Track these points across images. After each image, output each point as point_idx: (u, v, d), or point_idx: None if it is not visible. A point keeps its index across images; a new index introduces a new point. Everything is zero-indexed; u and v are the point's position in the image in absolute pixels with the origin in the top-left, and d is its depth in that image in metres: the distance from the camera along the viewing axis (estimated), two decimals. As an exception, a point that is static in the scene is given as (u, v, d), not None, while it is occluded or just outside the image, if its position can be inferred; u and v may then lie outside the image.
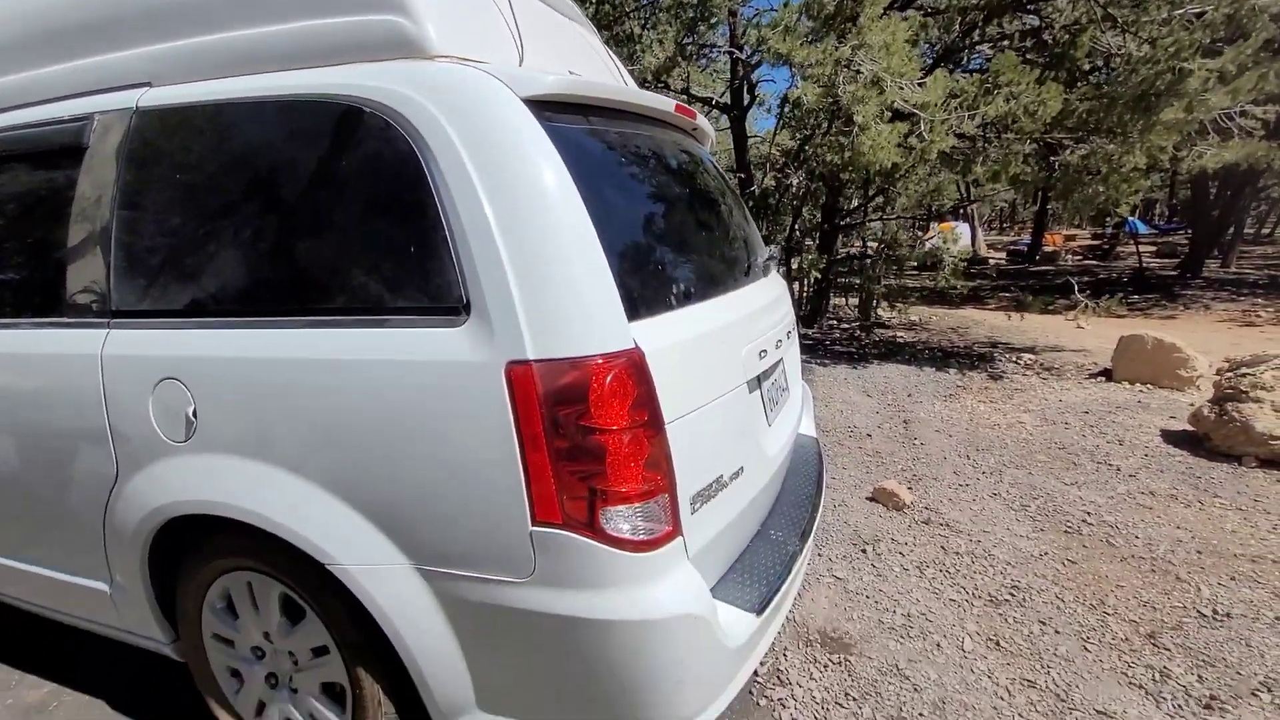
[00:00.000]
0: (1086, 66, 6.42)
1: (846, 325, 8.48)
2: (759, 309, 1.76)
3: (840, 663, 2.08)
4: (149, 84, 1.57)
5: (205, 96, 1.47)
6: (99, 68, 1.64)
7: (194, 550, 1.52)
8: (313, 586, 1.37)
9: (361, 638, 1.36)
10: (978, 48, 7.06)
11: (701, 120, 1.99)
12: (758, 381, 1.70)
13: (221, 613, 1.56)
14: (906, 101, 4.53)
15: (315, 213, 1.34)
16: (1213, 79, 5.11)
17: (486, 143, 1.21)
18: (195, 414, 1.38)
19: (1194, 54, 5.09)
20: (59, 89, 1.69)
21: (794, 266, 7.52)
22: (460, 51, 1.35)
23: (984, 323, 8.96)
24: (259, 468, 1.33)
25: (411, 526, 1.25)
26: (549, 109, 1.31)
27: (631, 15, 7.37)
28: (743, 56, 7.04)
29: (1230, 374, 3.88)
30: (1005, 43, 7.04)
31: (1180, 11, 5.31)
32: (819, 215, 7.64)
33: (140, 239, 1.49)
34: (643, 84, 7.18)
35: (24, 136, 1.69)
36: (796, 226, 7.64)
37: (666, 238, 1.59)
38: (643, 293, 1.33)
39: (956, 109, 4.90)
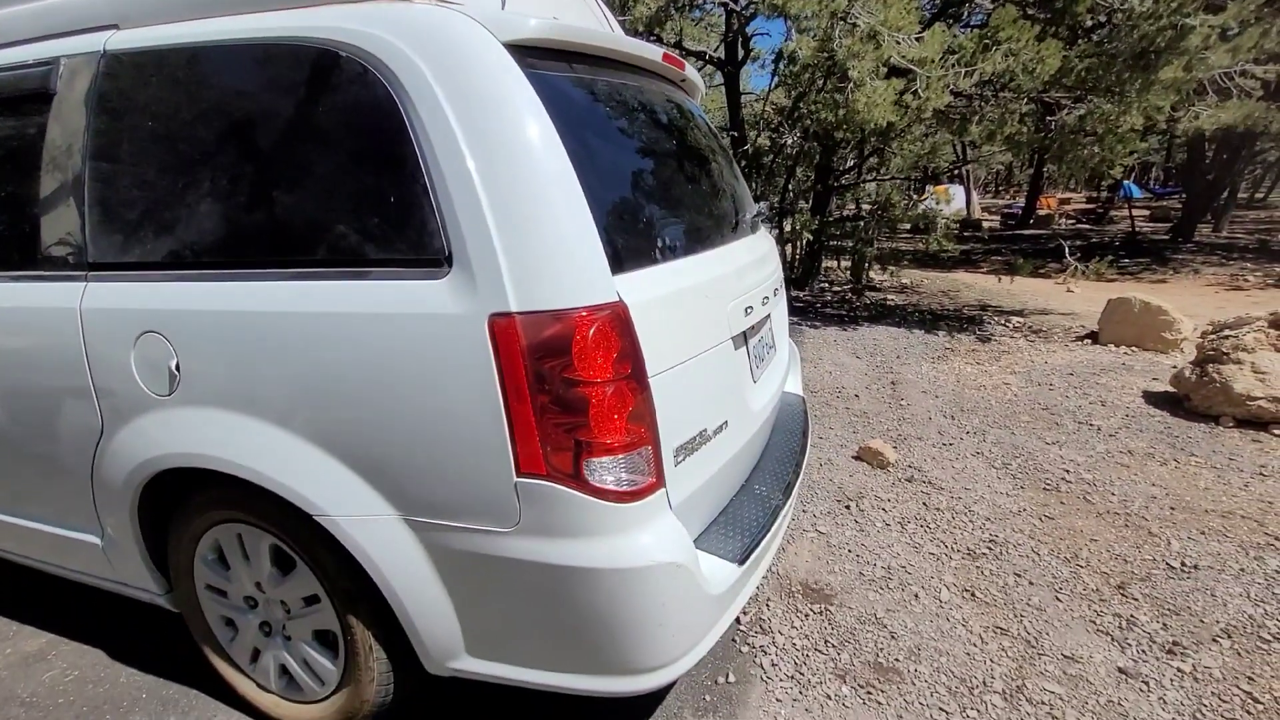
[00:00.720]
0: (1089, 23, 6.28)
1: (838, 288, 8.47)
2: (746, 265, 1.75)
3: (821, 612, 2.15)
4: (116, 26, 1.51)
5: (175, 40, 1.42)
6: (64, 8, 1.58)
7: (183, 503, 1.54)
8: (302, 537, 1.39)
9: (352, 587, 1.39)
10: (977, 1, 6.87)
11: (690, 71, 1.94)
12: (744, 338, 1.71)
13: (213, 564, 1.58)
14: (903, 57, 4.43)
15: (292, 162, 1.31)
16: (1214, 36, 5.03)
17: (467, 89, 1.18)
18: (178, 367, 1.37)
19: (1196, 9, 4.99)
20: (21, 31, 1.63)
21: (786, 228, 7.45)
22: (439, -7, 1.31)
23: (975, 286, 8.97)
24: (244, 421, 1.33)
25: (398, 478, 1.26)
26: (532, 55, 1.27)
27: (623, -37, 7.10)
28: (737, 8, 6.84)
29: (1213, 336, 3.92)
30: (1006, -3, 6.86)
31: (1185, -36, 5.18)
32: (812, 176, 7.55)
33: (114, 189, 1.46)
34: (633, 36, 6.97)
35: (-12, 82, 1.63)
36: (790, 187, 7.55)
37: (652, 191, 1.57)
38: (627, 245, 1.32)
39: (954, 65, 4.80)
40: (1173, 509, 2.78)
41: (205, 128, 1.39)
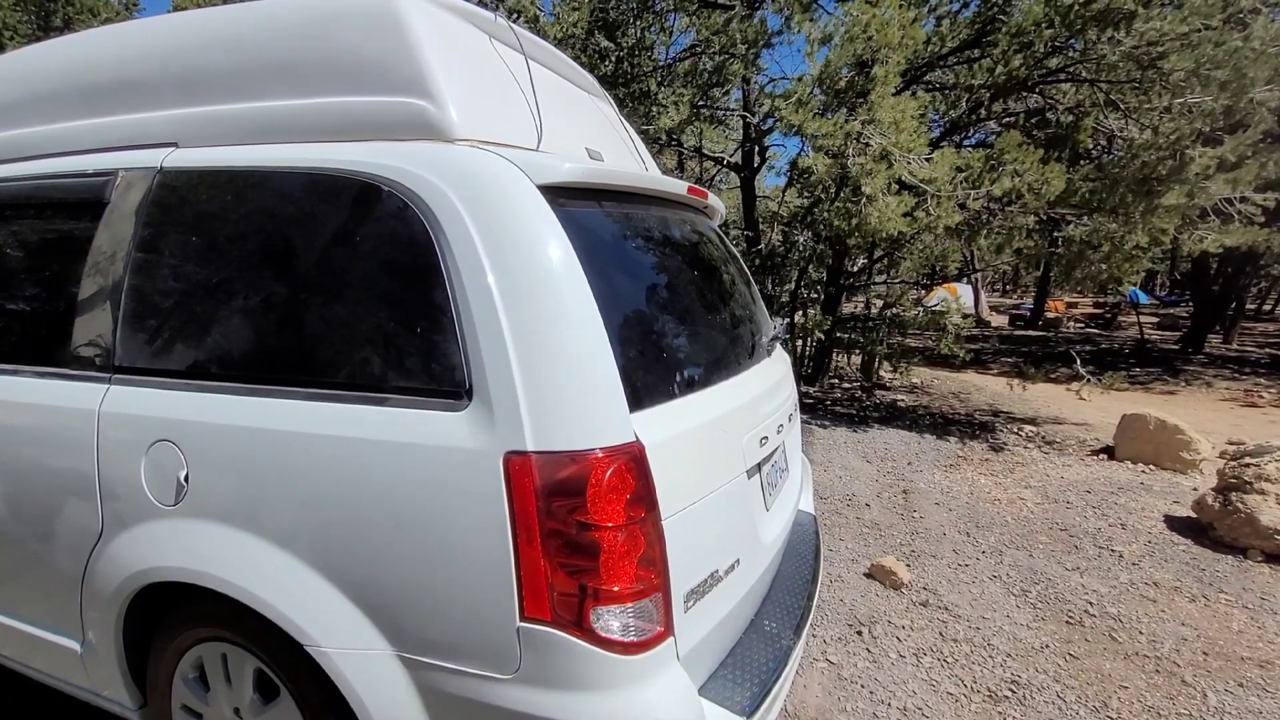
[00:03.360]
0: (1090, 144, 6.58)
1: (848, 384, 8.46)
2: (762, 394, 1.75)
3: (832, 760, 1.99)
4: (175, 145, 1.60)
5: (229, 162, 1.50)
6: (128, 125, 1.68)
7: (171, 616, 1.48)
8: (290, 666, 1.32)
9: (335, 723, 1.31)
10: (984, 123, 7.25)
11: (713, 199, 2.02)
12: (757, 467, 1.68)
13: (193, 683, 1.51)
14: (914, 176, 4.63)
15: (325, 286, 1.34)
16: (1213, 166, 5.23)
17: (501, 230, 1.22)
18: (187, 479, 1.36)
19: (1194, 141, 5.21)
20: (86, 142, 1.73)
21: (798, 322, 7.56)
22: (480, 134, 1.39)
23: (985, 389, 8.93)
24: (247, 539, 1.30)
25: (397, 612, 1.21)
26: (563, 194, 1.33)
27: (649, 74, 7.61)
28: (754, 120, 7.25)
29: (1234, 463, 3.84)
30: (1010, 119, 7.24)
31: (1181, 100, 5.47)
32: (824, 275, 7.73)
33: (150, 297, 1.50)
34: (656, 141, 7.36)
35: (48, 186, 1.72)
36: (802, 282, 7.73)
37: (673, 324, 1.59)
38: (646, 381, 1.32)
39: (962, 183, 5.00)
40: (1205, 654, 2.62)
41: (246, 246, 1.44)
